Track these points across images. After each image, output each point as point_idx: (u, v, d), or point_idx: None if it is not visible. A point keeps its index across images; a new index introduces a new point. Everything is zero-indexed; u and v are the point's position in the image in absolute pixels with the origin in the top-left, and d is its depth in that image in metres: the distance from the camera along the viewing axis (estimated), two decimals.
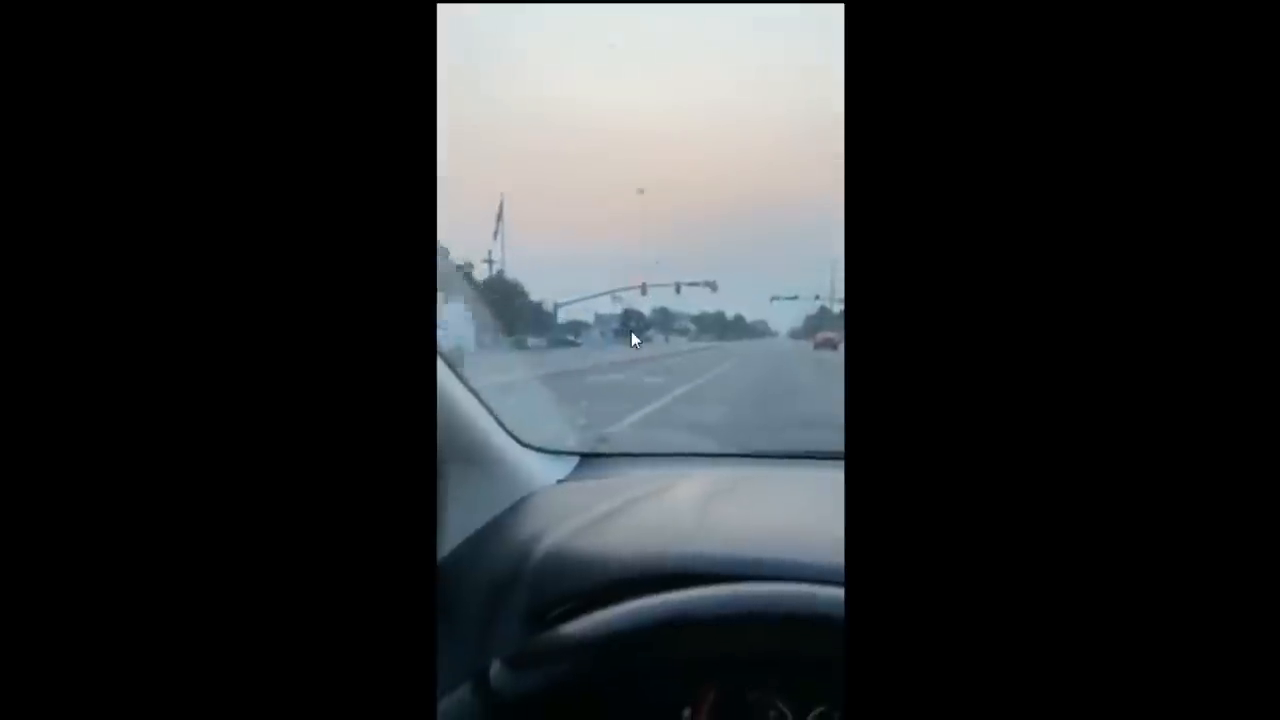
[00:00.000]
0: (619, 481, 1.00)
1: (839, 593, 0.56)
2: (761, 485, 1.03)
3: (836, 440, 0.58)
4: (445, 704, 0.61)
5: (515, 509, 0.92)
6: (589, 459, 1.13)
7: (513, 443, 1.00)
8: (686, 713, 0.67)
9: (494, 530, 0.88)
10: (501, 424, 0.98)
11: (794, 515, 0.87)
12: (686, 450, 1.23)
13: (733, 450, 1.37)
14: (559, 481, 1.04)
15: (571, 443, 1.16)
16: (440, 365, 0.87)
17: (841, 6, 0.40)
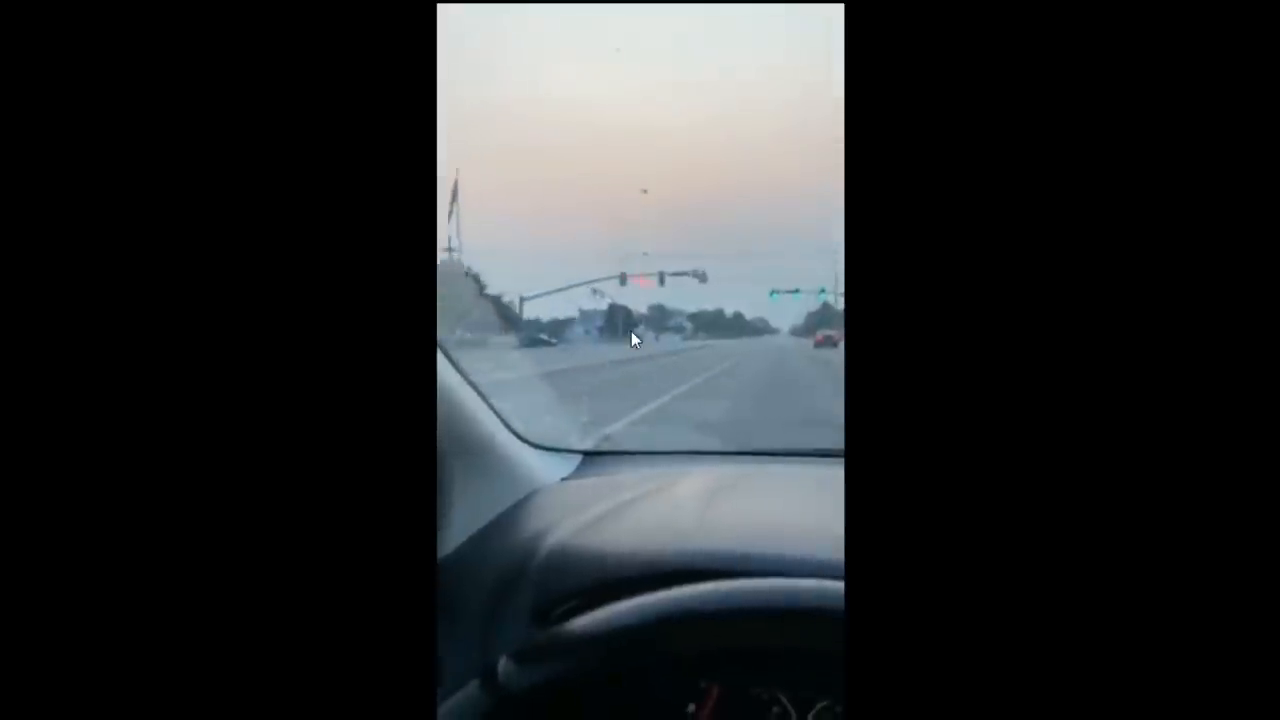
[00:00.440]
0: (622, 479, 1.01)
1: (839, 586, 0.57)
2: (764, 483, 1.03)
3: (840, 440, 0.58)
4: (454, 699, 0.61)
5: (519, 506, 0.93)
6: (592, 457, 1.13)
7: (516, 441, 1.01)
8: (691, 708, 0.68)
9: (498, 527, 0.89)
10: (506, 422, 0.99)
11: (796, 512, 0.88)
12: (690, 449, 1.24)
13: (736, 449, 1.37)
14: (562, 480, 1.04)
15: (574, 441, 1.17)
16: (448, 365, 0.87)
17: (841, 7, 0.40)
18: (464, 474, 0.89)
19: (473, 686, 0.61)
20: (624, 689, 0.66)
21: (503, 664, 0.62)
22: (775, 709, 0.68)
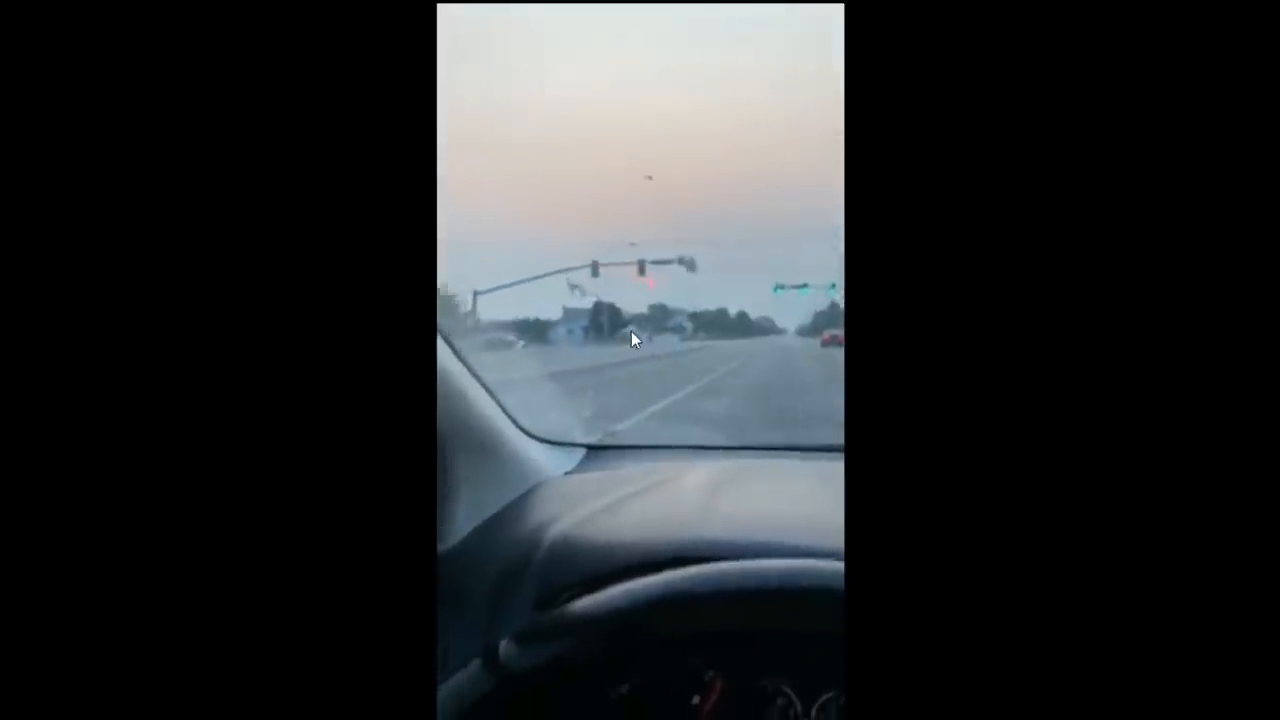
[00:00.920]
0: (625, 472, 1.02)
1: (836, 566, 0.57)
2: (767, 476, 1.04)
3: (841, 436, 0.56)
4: (456, 679, 0.62)
5: (523, 499, 0.94)
6: (595, 451, 1.14)
7: (521, 435, 1.01)
8: (696, 699, 0.68)
9: (503, 519, 0.90)
10: (511, 417, 1.00)
11: (799, 504, 0.88)
12: (692, 444, 1.24)
13: (739, 444, 1.38)
14: (566, 473, 1.05)
15: (578, 435, 1.18)
16: (455, 361, 0.88)
17: (841, 7, 0.40)
18: (470, 467, 0.89)
19: (475, 666, 0.62)
20: (624, 670, 0.67)
21: (504, 645, 0.62)
22: (780, 700, 0.68)
